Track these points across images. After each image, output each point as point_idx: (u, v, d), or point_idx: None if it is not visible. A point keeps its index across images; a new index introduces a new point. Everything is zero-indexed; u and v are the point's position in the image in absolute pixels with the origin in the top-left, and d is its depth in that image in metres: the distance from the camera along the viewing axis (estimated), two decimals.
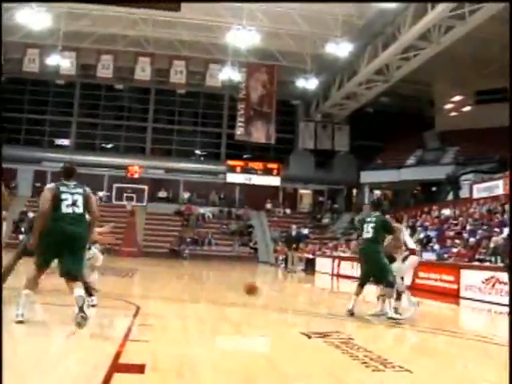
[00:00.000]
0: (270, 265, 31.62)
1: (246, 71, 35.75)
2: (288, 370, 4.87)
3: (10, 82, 39.12)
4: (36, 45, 32.96)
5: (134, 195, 36.95)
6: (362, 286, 9.13)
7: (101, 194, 35.39)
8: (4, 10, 29.57)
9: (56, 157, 38.21)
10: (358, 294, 9.04)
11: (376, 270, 8.93)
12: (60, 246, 6.26)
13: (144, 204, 37.20)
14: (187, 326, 7.11)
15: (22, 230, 33.78)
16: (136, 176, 37.13)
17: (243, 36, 29.15)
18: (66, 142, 40.45)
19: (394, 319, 8.60)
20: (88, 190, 6.89)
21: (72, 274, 6.18)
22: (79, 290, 5.98)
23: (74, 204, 6.54)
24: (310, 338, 6.59)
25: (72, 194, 6.64)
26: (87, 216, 6.73)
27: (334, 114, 38.39)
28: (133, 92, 40.28)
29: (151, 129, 40.45)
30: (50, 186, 6.64)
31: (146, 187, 37.09)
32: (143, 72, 34.23)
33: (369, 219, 9.23)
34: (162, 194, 38.67)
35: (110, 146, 40.81)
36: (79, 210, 6.55)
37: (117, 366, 4.59)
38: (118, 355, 4.99)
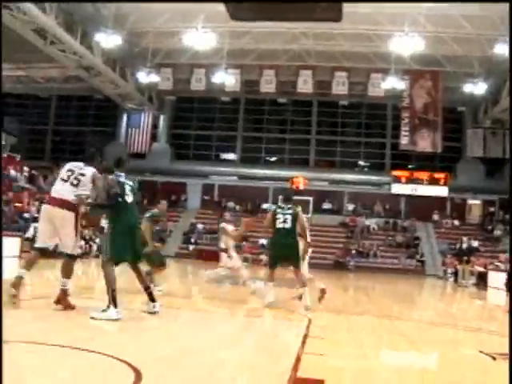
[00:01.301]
0: (437, 278, 30.45)
1: (409, 79, 34.86)
2: None
3: (179, 101, 41.36)
4: (202, 64, 34.38)
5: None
6: None
7: (266, 205, 35.97)
8: (172, 34, 31.30)
9: (223, 170, 39.76)
10: None
11: None
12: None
13: (309, 215, 37.33)
14: (361, 339, 6.88)
15: (192, 240, 35.48)
16: (301, 188, 37.32)
17: (405, 43, 28.46)
18: (232, 156, 41.73)
19: None
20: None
21: None
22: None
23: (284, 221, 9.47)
24: (494, 359, 6.10)
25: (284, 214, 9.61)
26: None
27: (505, 119, 36.18)
28: (295, 105, 40.79)
29: (315, 141, 40.69)
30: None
31: (310, 199, 37.22)
32: (305, 85, 34.46)
33: None
34: (327, 205, 38.64)
35: (274, 158, 41.53)
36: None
37: (296, 381, 4.48)
38: (295, 369, 4.89)
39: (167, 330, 6.92)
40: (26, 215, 24.26)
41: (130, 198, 7.29)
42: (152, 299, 7.53)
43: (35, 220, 20.55)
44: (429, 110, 35.42)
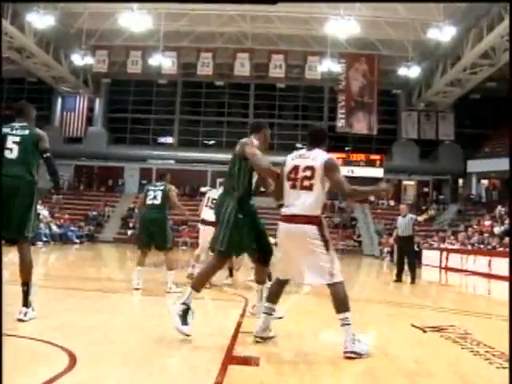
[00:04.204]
0: (374, 257, 31.14)
1: (345, 62, 35.30)
2: (410, 366, 4.63)
3: (115, 84, 40.70)
4: (138, 47, 33.96)
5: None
6: None
7: (204, 189, 35.92)
8: (107, 15, 30.73)
9: (161, 154, 39.42)
10: None
11: None
12: None
13: None
14: (298, 319, 6.98)
15: (130, 225, 35.15)
16: None
17: (341, 26, 28.81)
18: (169, 139, 41.45)
19: None
20: None
21: None
22: None
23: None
24: (425, 332, 6.32)
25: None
26: None
27: (438, 102, 37.19)
28: (233, 88, 40.77)
29: None
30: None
31: None
32: (243, 68, 34.50)
33: None
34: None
35: (212, 142, 41.45)
36: None
37: (231, 359, 4.55)
38: (231, 347, 4.96)
39: (102, 313, 6.88)
40: None
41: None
42: None
43: None
44: (364, 92, 35.98)
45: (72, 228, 29.91)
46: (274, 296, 5.24)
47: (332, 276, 4.85)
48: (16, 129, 5.84)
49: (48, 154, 5.90)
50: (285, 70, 34.71)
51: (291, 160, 5.10)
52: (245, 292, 9.35)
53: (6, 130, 5.82)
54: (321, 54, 33.80)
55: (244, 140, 5.65)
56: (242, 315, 6.86)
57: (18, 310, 5.59)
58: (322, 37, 31.71)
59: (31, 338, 4.83)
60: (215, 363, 4.30)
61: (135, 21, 29.17)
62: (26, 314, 5.60)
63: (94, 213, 35.67)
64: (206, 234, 10.17)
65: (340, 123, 36.28)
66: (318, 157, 4.98)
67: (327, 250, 4.86)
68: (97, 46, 34.27)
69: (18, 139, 5.76)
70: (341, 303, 4.85)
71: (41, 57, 31.93)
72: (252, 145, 5.61)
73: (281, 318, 5.60)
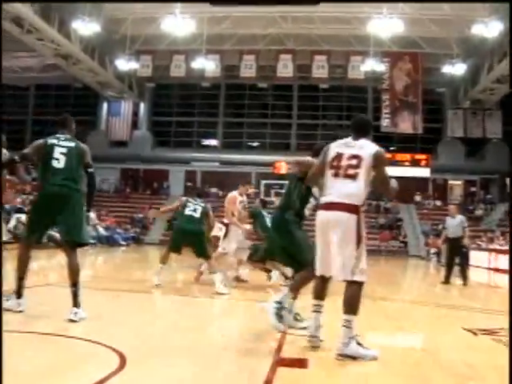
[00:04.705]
0: (420, 258, 30.73)
1: (388, 61, 34.96)
2: (462, 370, 4.53)
3: (159, 87, 41.17)
4: (181, 50, 34.23)
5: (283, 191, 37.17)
6: None
7: (250, 190, 35.91)
8: (150, 21, 31.08)
9: (205, 156, 39.65)
10: None
11: None
12: None
13: None
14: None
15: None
16: (283, 172, 37.30)
17: (384, 25, 28.55)
18: (213, 141, 41.65)
19: None
20: None
21: None
22: None
23: None
24: (476, 335, 6.19)
25: None
26: None
27: (484, 99, 36.47)
28: (276, 89, 40.74)
29: (296, 125, 40.70)
30: None
31: None
32: (285, 69, 34.47)
33: None
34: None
35: (255, 143, 41.52)
36: None
37: (280, 361, 4.53)
38: (279, 349, 4.95)
39: (151, 314, 6.95)
40: (7, 206, 24.08)
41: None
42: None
43: (18, 211, 20.57)
44: (409, 91, 35.57)
45: (118, 230, 30.27)
46: (319, 292, 5.10)
47: (353, 274, 4.72)
48: (62, 140, 6.11)
49: (92, 170, 6.19)
50: (328, 70, 34.56)
51: (334, 148, 4.95)
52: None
53: (52, 141, 6.09)
54: (364, 53, 33.55)
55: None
56: None
57: (69, 310, 5.70)
58: (365, 36, 31.48)
59: (80, 338, 4.91)
60: (264, 364, 4.30)
61: (178, 25, 29.50)
62: (76, 314, 5.71)
63: (140, 215, 36.01)
64: (239, 234, 10.98)
65: (384, 123, 35.93)
66: (365, 147, 4.85)
67: (358, 246, 4.72)
68: (141, 51, 34.69)
69: (64, 150, 6.03)
70: (352, 304, 4.76)
71: (86, 63, 32.49)
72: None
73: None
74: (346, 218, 4.70)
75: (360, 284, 4.75)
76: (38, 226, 6.09)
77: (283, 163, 37.50)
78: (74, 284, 5.90)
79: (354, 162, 4.80)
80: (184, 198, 10.31)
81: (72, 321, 5.64)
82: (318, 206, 4.99)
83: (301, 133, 40.49)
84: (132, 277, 10.78)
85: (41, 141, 6.14)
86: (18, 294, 5.99)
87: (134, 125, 41.28)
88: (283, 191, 6.23)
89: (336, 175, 4.86)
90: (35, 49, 31.01)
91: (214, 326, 5.59)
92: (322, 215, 4.88)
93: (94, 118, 41.31)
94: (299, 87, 40.31)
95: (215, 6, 27.61)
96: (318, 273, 5.04)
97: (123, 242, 29.24)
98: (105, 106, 41.39)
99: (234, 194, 11.47)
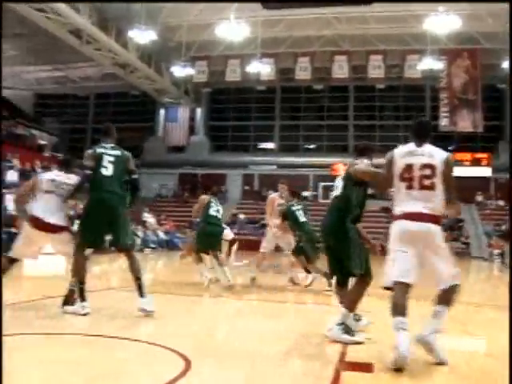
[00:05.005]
0: (483, 260, 30.01)
1: (446, 58, 34.31)
2: None
3: (215, 92, 41.58)
4: (236, 55, 34.40)
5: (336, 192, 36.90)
6: None
7: (307, 193, 35.84)
8: (205, 27, 31.40)
9: (262, 160, 39.77)
10: None
11: None
12: None
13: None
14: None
15: (234, 231, 35.40)
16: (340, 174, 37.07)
17: (441, 22, 28.07)
18: (270, 145, 41.75)
19: None
20: None
21: None
22: None
23: None
24: None
25: None
26: None
27: None
28: (332, 91, 40.50)
29: (352, 126, 40.41)
30: None
31: None
32: (341, 70, 34.22)
33: None
34: (370, 190, 38.25)
35: (312, 146, 41.43)
36: None
37: (345, 365, 4.53)
38: (343, 353, 4.93)
39: (213, 318, 7.01)
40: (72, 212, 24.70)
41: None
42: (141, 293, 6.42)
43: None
44: (468, 89, 34.83)
45: (177, 234, 30.62)
46: (402, 307, 4.61)
47: (454, 278, 4.74)
48: (109, 149, 6.50)
49: (136, 176, 6.65)
50: (384, 70, 34.15)
51: (400, 158, 4.79)
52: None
53: (100, 150, 6.48)
54: (420, 51, 33.00)
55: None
56: None
57: (136, 308, 6.02)
58: (421, 34, 30.97)
59: (144, 342, 5.00)
60: (328, 370, 4.30)
61: (232, 30, 29.74)
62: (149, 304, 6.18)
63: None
64: (279, 236, 10.88)
65: (443, 122, 35.23)
66: (435, 154, 4.74)
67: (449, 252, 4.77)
68: (196, 57, 35.03)
69: (112, 159, 6.41)
70: (450, 300, 4.73)
71: (143, 71, 33.09)
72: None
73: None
74: (435, 230, 4.68)
75: (458, 286, 4.78)
76: (91, 232, 6.38)
77: (340, 165, 37.27)
78: (138, 278, 6.28)
79: (427, 172, 4.69)
80: (207, 197, 10.45)
81: (144, 310, 6.10)
82: (398, 215, 4.81)
83: (357, 134, 40.10)
84: (191, 280, 10.87)
85: (90, 150, 6.53)
86: (82, 297, 6.21)
87: (191, 130, 41.76)
88: (336, 192, 6.01)
89: (410, 187, 4.74)
90: (94, 59, 31.76)
91: (273, 329, 5.60)
92: (407, 225, 4.72)
93: (152, 124, 41.97)
94: (355, 88, 40.02)
95: (268, 9, 27.80)
96: (397, 279, 4.70)
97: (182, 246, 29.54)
98: (162, 112, 42.00)
99: (273, 195, 11.46)
